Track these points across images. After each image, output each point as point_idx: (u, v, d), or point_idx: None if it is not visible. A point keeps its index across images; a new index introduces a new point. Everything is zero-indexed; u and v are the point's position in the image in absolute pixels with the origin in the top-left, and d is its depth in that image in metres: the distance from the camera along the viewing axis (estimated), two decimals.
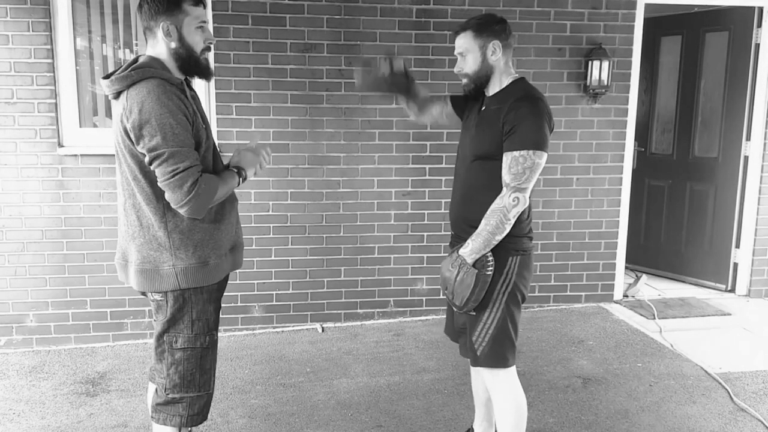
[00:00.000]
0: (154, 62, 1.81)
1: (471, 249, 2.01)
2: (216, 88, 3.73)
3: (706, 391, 3.06)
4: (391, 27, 3.86)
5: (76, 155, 3.62)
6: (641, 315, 4.12)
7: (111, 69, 3.73)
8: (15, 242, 3.64)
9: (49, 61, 3.55)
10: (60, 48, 3.58)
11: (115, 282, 3.72)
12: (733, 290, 4.61)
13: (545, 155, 1.99)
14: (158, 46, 1.83)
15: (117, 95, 1.77)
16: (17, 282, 3.67)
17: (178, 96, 1.75)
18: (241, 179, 1.94)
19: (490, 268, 2.01)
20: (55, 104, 3.59)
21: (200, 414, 1.92)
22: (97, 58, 3.73)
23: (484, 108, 2.14)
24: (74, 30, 3.61)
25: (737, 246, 4.55)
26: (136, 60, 1.85)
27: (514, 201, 1.97)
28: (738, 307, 4.31)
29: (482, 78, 2.11)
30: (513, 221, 1.99)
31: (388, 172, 3.98)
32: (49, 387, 3.18)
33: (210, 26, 3.64)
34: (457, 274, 2.03)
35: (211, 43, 1.90)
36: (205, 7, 1.89)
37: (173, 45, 1.82)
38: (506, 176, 1.99)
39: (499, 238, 2.00)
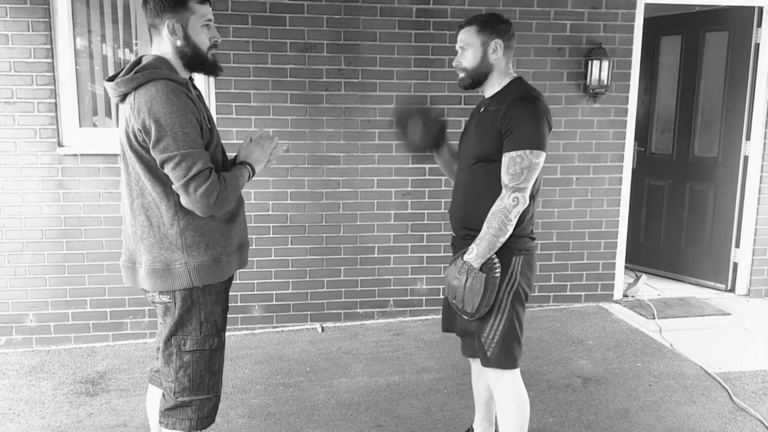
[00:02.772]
0: (159, 62, 1.78)
1: (476, 254, 2.01)
2: (216, 88, 3.73)
3: (705, 391, 3.06)
4: (391, 27, 3.86)
5: (75, 155, 3.62)
6: (641, 315, 4.12)
7: (111, 69, 3.73)
8: (15, 242, 3.64)
9: (49, 60, 3.55)
10: (60, 48, 3.58)
11: (115, 282, 3.72)
12: (732, 290, 4.61)
13: (543, 155, 1.99)
14: (163, 45, 1.82)
15: (123, 98, 1.76)
16: (17, 282, 3.67)
17: (186, 95, 1.73)
18: (250, 174, 1.94)
19: (497, 271, 2.01)
20: (55, 104, 3.59)
21: (209, 417, 1.90)
22: (96, 57, 3.73)
23: (482, 110, 2.14)
24: (74, 30, 3.61)
25: (737, 246, 4.55)
26: (139, 60, 1.82)
27: (513, 201, 1.97)
28: (738, 307, 4.31)
29: (480, 75, 2.10)
30: (515, 221, 1.99)
31: (388, 171, 3.98)
32: (48, 387, 3.18)
33: None
34: (466, 281, 2.02)
35: (217, 41, 1.89)
36: (210, 5, 1.87)
37: (179, 43, 1.80)
38: (505, 177, 1.99)
39: (503, 239, 1.99)
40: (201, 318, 1.85)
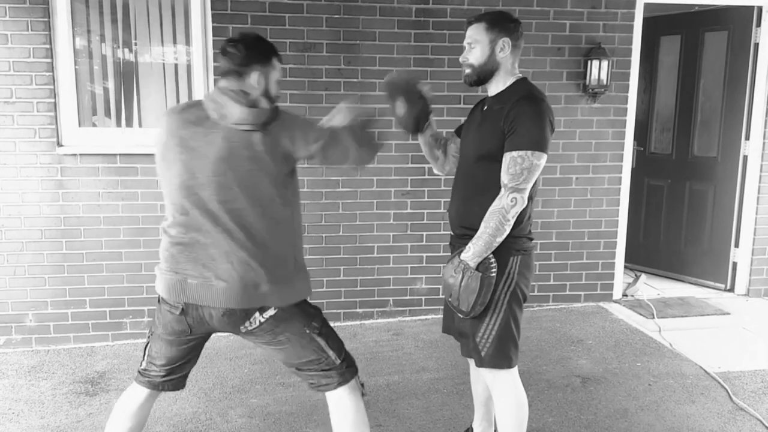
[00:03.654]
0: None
1: (473, 253, 2.01)
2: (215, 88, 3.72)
3: (705, 391, 3.07)
4: (391, 26, 3.86)
5: (75, 155, 3.62)
6: (640, 314, 4.12)
7: (111, 68, 3.74)
8: (14, 242, 3.64)
9: (48, 60, 3.55)
10: (59, 47, 3.58)
11: (114, 281, 3.72)
12: (732, 290, 4.61)
13: (545, 156, 1.98)
14: (243, 88, 1.90)
15: (260, 126, 1.86)
16: (16, 281, 3.67)
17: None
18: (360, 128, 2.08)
19: (494, 270, 2.01)
20: (54, 104, 3.59)
21: (340, 340, 2.13)
22: (96, 57, 3.73)
23: (486, 108, 2.14)
24: (73, 29, 3.61)
25: (736, 245, 4.56)
26: (241, 95, 1.89)
27: (512, 201, 1.96)
28: (737, 307, 4.31)
29: (486, 72, 2.09)
30: (512, 222, 1.99)
31: (388, 171, 3.98)
32: (48, 386, 3.18)
33: (209, 26, 3.68)
34: (462, 280, 2.02)
35: (278, 98, 2.04)
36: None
37: (257, 93, 1.91)
38: (504, 177, 1.98)
39: (500, 239, 1.99)
40: (302, 304, 2.01)
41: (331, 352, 2.02)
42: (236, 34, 1.99)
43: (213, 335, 2.06)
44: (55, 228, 3.66)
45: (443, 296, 2.15)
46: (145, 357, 2.06)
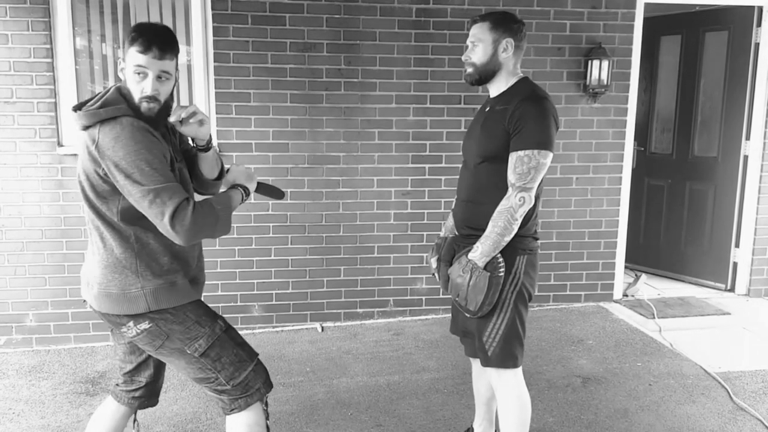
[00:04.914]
0: (121, 96, 1.75)
1: (481, 252, 2.01)
2: (216, 88, 3.73)
3: (705, 391, 3.07)
4: (391, 26, 3.86)
5: (75, 155, 3.62)
6: (641, 314, 4.12)
7: (111, 68, 3.73)
8: (15, 242, 3.64)
9: (49, 60, 3.55)
10: (59, 47, 3.58)
11: None
12: (732, 290, 4.61)
13: (551, 155, 1.99)
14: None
15: (85, 128, 1.72)
16: (17, 281, 3.67)
17: (151, 132, 1.72)
18: (244, 194, 1.92)
19: (501, 270, 2.01)
20: (55, 104, 3.59)
21: (267, 375, 1.93)
22: (96, 57, 3.73)
23: (488, 109, 2.13)
24: (74, 29, 3.61)
25: (737, 245, 4.55)
26: (108, 91, 1.79)
27: (520, 201, 1.97)
28: (737, 307, 4.31)
29: (488, 72, 2.09)
30: (520, 221, 1.99)
31: (388, 171, 3.98)
32: (48, 386, 3.17)
33: (210, 26, 3.68)
34: (470, 279, 2.02)
35: (146, 97, 1.73)
36: (155, 57, 1.71)
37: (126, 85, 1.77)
38: (511, 176, 1.99)
39: (508, 238, 1.99)
40: (193, 317, 1.83)
41: (219, 375, 1.84)
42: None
43: None
44: (55, 228, 3.66)
45: (450, 295, 2.14)
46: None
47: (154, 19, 3.74)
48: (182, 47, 3.79)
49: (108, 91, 1.79)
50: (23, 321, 3.70)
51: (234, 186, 1.94)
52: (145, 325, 1.79)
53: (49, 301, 3.70)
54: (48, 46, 3.54)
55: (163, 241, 1.80)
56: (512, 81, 2.11)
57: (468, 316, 2.11)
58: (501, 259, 2.01)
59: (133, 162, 1.64)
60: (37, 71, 3.54)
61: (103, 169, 1.68)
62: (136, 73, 1.72)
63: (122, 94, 1.75)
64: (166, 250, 1.81)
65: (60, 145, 3.62)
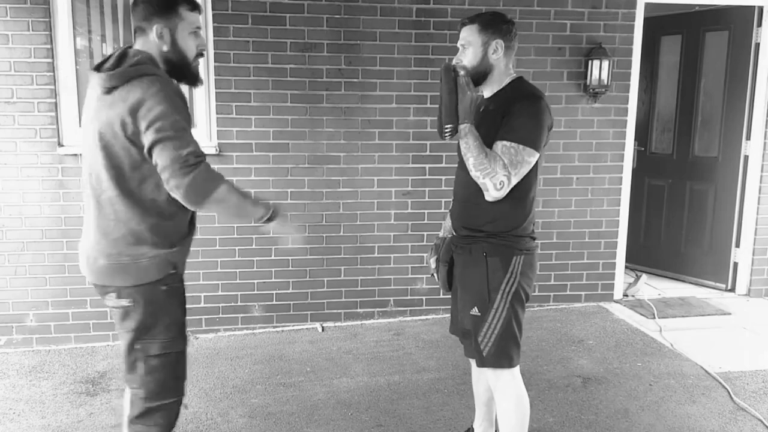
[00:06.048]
0: (149, 60, 1.75)
1: (470, 128, 1.96)
2: (216, 88, 3.73)
3: (706, 391, 3.06)
4: (391, 26, 3.86)
5: (75, 155, 3.62)
6: (641, 314, 4.12)
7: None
8: (15, 242, 3.64)
9: (49, 60, 3.55)
10: (60, 47, 3.58)
11: None
12: (733, 290, 4.61)
13: (536, 155, 1.97)
14: (147, 46, 1.79)
15: (109, 90, 1.70)
16: (17, 281, 3.67)
17: (180, 95, 1.74)
18: (265, 213, 1.88)
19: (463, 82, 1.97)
20: (55, 104, 3.59)
21: (175, 420, 1.88)
22: (97, 57, 3.73)
23: (482, 109, 2.13)
24: (74, 29, 3.61)
25: (737, 245, 4.55)
26: (125, 53, 1.77)
27: (500, 185, 1.94)
28: (738, 307, 4.31)
29: (479, 74, 2.08)
30: (480, 182, 1.95)
31: (388, 171, 3.98)
32: (49, 386, 3.18)
33: (210, 26, 3.68)
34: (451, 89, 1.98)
35: (203, 50, 1.87)
36: (200, 12, 1.85)
37: (165, 48, 1.78)
38: (502, 156, 1.95)
39: (470, 162, 1.95)
40: (167, 321, 1.82)
41: (143, 385, 1.80)
42: None
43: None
44: (55, 228, 3.66)
45: (449, 295, 2.13)
46: None
47: None
48: None
49: (125, 53, 1.76)
50: (24, 321, 3.70)
51: (265, 204, 1.88)
52: (123, 302, 1.79)
53: (49, 301, 3.70)
54: (48, 46, 3.54)
55: (176, 211, 1.80)
56: (506, 81, 2.10)
57: (445, 132, 2.03)
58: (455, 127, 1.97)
59: (163, 110, 1.65)
60: (38, 71, 3.54)
61: (129, 128, 1.66)
62: (193, 32, 1.81)
63: (149, 58, 1.76)
64: (177, 220, 1.82)
65: (60, 145, 3.62)
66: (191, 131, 1.73)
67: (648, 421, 2.78)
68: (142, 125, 1.66)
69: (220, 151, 3.75)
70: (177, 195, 1.69)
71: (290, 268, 3.94)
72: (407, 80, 3.91)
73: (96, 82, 1.73)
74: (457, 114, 1.98)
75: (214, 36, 3.69)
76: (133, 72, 1.70)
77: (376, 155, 3.94)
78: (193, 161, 1.67)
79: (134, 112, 1.66)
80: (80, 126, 3.67)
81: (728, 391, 3.04)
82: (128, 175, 1.73)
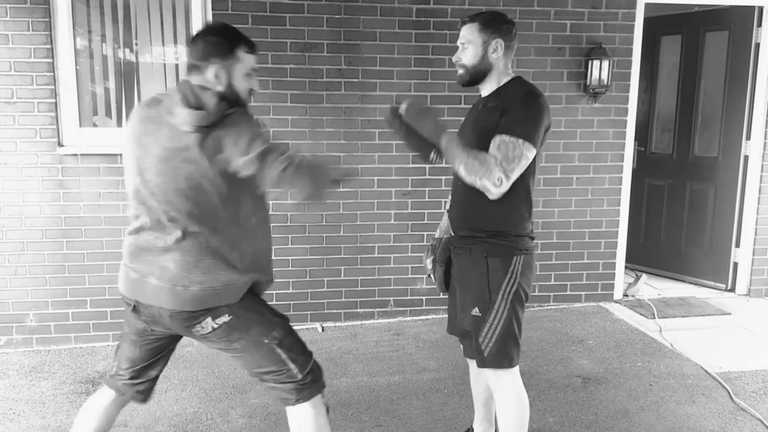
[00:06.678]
0: (221, 98, 1.79)
1: (448, 140, 1.96)
2: None
3: (706, 391, 3.06)
4: (391, 26, 3.86)
5: (76, 155, 3.62)
6: (641, 314, 4.12)
7: (111, 68, 3.73)
8: (15, 242, 3.64)
9: (49, 60, 3.55)
10: (60, 47, 3.58)
11: (115, 281, 3.70)
12: (733, 290, 4.61)
13: (534, 150, 1.97)
14: (204, 83, 1.81)
15: (202, 128, 1.72)
16: (17, 281, 3.67)
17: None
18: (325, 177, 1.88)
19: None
20: (55, 104, 3.59)
21: (323, 373, 2.01)
22: (97, 57, 3.73)
23: (481, 106, 2.13)
24: (74, 29, 3.61)
25: (737, 245, 4.55)
26: (194, 88, 1.77)
27: (498, 181, 1.91)
28: (738, 307, 4.31)
29: (479, 73, 2.08)
30: (477, 185, 1.94)
31: (388, 171, 3.98)
32: (49, 387, 3.18)
33: None
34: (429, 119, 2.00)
35: (255, 92, 1.91)
36: (257, 54, 1.87)
37: (219, 88, 1.80)
38: (496, 152, 1.93)
39: (462, 170, 1.94)
40: (265, 308, 1.95)
41: (292, 365, 1.90)
42: (203, 25, 1.91)
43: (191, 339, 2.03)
44: (56, 228, 3.66)
45: (446, 295, 2.13)
46: (115, 359, 2.04)
47: (155, 19, 3.74)
48: (183, 47, 3.79)
49: (194, 88, 1.78)
50: (24, 321, 3.70)
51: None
52: (224, 318, 1.82)
53: (49, 301, 3.70)
54: (48, 46, 3.54)
55: (258, 233, 1.93)
56: (504, 80, 2.10)
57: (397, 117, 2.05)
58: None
59: (256, 134, 1.72)
60: (38, 71, 3.54)
61: (219, 163, 1.70)
62: (248, 74, 1.85)
63: (223, 97, 1.79)
64: (259, 242, 1.94)
65: (60, 145, 3.62)
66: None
67: (648, 421, 2.78)
68: (236, 154, 1.70)
69: None
70: (291, 189, 1.77)
71: (290, 268, 3.94)
72: (407, 80, 3.91)
73: (186, 119, 1.72)
74: (427, 141, 2.01)
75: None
76: (223, 110, 1.74)
77: (375, 155, 3.94)
78: (293, 158, 1.73)
79: (222, 147, 1.70)
80: (80, 126, 3.67)
81: (728, 391, 3.04)
82: (219, 207, 1.77)
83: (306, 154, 1.82)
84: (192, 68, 1.82)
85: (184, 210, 1.77)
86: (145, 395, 2.06)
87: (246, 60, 1.83)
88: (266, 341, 1.87)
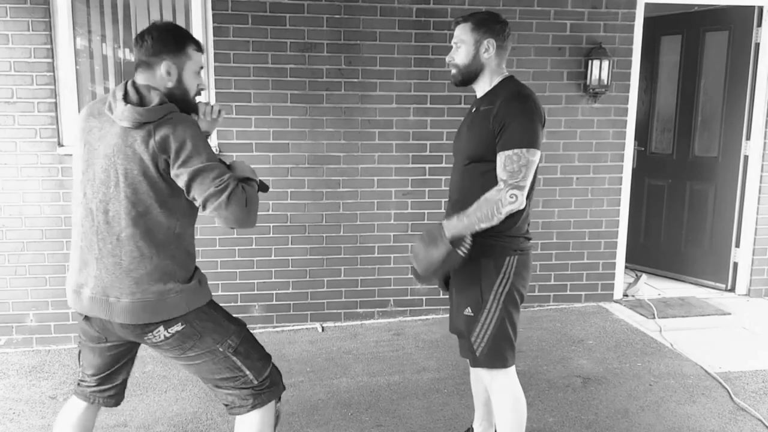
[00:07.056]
0: (168, 98, 1.79)
1: (454, 225, 1.99)
2: (216, 88, 3.73)
3: (705, 391, 3.07)
4: (391, 26, 3.86)
5: None
6: (641, 314, 4.12)
7: (111, 68, 3.73)
8: (15, 242, 3.64)
9: (49, 60, 3.55)
10: (60, 47, 3.58)
11: None
12: (733, 290, 4.61)
13: (538, 153, 1.97)
14: (152, 81, 1.80)
15: (142, 124, 1.71)
16: (17, 281, 3.67)
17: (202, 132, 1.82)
18: (257, 186, 1.90)
19: (464, 249, 1.97)
20: (55, 104, 3.59)
21: (281, 377, 1.99)
22: (97, 57, 3.74)
23: (474, 110, 2.14)
24: (74, 29, 3.62)
25: (737, 245, 4.55)
26: (139, 87, 1.77)
27: (511, 198, 1.94)
28: (738, 307, 4.31)
29: (471, 73, 2.09)
30: (503, 218, 1.96)
31: (388, 171, 3.98)
32: (49, 386, 3.18)
33: (210, 26, 3.68)
34: (430, 243, 2.02)
35: (202, 89, 1.92)
36: (203, 53, 1.91)
37: (170, 84, 1.81)
38: (502, 173, 1.96)
39: (484, 226, 1.96)
40: (221, 315, 1.88)
41: (248, 372, 1.87)
42: (150, 23, 1.89)
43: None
44: (56, 228, 3.66)
45: (446, 295, 2.13)
46: (80, 366, 2.00)
47: (155, 18, 3.74)
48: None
49: (140, 87, 1.78)
50: (24, 321, 3.70)
51: (245, 180, 1.89)
52: (177, 327, 1.78)
53: (49, 301, 3.70)
54: (48, 46, 3.54)
55: (192, 242, 1.85)
56: (496, 80, 2.10)
57: (416, 279, 2.09)
58: (469, 242, 1.98)
59: (197, 146, 1.70)
60: (38, 71, 3.55)
61: (161, 164, 1.69)
62: (197, 71, 1.86)
63: (171, 96, 1.80)
64: (192, 250, 1.87)
65: (60, 145, 3.62)
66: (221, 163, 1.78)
67: (648, 421, 2.78)
68: (176, 162, 1.69)
69: (219, 151, 3.75)
70: (221, 216, 1.71)
71: (290, 268, 3.94)
72: (407, 80, 3.92)
73: (125, 115, 1.71)
74: (455, 254, 2.00)
75: (214, 36, 3.69)
76: (167, 109, 1.74)
77: (376, 155, 3.95)
78: (239, 195, 1.73)
79: (167, 149, 1.69)
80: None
81: (728, 391, 3.04)
82: (156, 210, 1.74)
83: (240, 180, 1.80)
84: (142, 65, 1.81)
85: (122, 210, 1.73)
86: (116, 399, 2.03)
87: (195, 57, 1.85)
88: (221, 349, 1.83)
